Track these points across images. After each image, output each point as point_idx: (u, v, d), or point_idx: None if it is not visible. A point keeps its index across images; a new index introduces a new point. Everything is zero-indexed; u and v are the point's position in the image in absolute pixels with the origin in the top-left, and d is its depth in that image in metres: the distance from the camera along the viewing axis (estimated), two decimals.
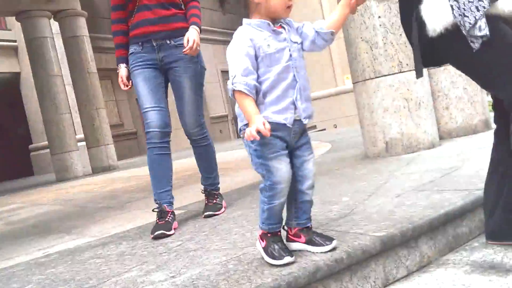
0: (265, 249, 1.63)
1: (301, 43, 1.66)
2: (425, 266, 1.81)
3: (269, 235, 1.65)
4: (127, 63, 2.66)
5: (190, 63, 2.63)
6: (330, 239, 1.65)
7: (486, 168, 1.89)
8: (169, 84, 2.71)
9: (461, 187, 2.23)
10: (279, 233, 1.67)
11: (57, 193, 6.71)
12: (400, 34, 3.57)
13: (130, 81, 2.66)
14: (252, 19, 1.62)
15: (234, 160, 6.31)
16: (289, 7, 1.61)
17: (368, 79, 3.72)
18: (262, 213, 1.65)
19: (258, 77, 1.56)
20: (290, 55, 1.61)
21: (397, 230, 1.76)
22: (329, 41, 1.66)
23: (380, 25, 3.63)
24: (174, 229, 2.46)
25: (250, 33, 1.58)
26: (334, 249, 1.63)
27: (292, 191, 1.65)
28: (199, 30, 2.59)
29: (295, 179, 1.65)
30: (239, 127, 1.65)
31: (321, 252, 1.62)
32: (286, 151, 1.61)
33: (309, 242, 1.67)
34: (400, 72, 3.62)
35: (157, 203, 2.55)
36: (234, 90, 1.53)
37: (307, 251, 1.66)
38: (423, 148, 3.65)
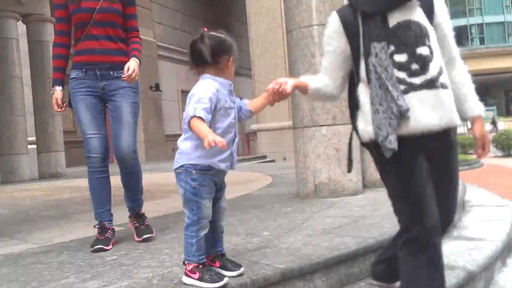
0: (201, 278, 1.90)
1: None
2: None
3: (200, 266, 1.94)
4: (62, 86, 2.88)
5: (130, 91, 2.88)
6: (239, 266, 2.02)
7: (388, 219, 2.30)
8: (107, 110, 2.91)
9: (360, 234, 2.66)
10: (206, 263, 1.99)
11: (1, 196, 6.79)
12: None
13: (64, 103, 2.88)
14: (217, 77, 1.97)
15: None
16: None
17: (306, 127, 4.17)
18: (191, 248, 1.94)
19: (210, 125, 1.88)
20: (235, 117, 2.00)
21: (296, 265, 2.15)
22: (247, 117, 2.07)
23: None
24: (112, 244, 2.74)
25: (217, 86, 1.94)
26: (241, 274, 1.99)
27: (210, 225, 2.00)
28: (139, 63, 2.84)
29: (214, 214, 2.00)
30: (178, 164, 1.98)
31: (231, 276, 1.98)
32: (213, 193, 1.98)
33: (222, 267, 2.02)
34: (334, 124, 4.09)
35: (97, 221, 2.83)
36: (194, 116, 1.83)
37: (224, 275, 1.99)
38: (347, 194, 4.10)
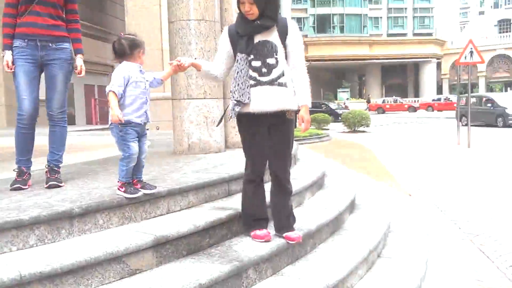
0: (126, 191, 2.91)
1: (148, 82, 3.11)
2: (190, 208, 3.41)
3: (126, 184, 2.96)
4: (12, 50, 3.41)
5: (65, 63, 3.57)
6: (154, 187, 3.10)
7: (237, 165, 3.55)
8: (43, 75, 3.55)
9: (218, 171, 3.94)
10: (130, 182, 3.01)
11: None
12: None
13: (14, 65, 3.41)
14: (131, 62, 3.00)
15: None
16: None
17: (182, 99, 5.33)
18: (122, 173, 2.95)
19: (124, 92, 2.93)
20: (146, 88, 3.06)
21: (178, 186, 3.33)
22: (159, 84, 3.17)
23: None
24: (29, 186, 3.43)
25: (129, 67, 2.98)
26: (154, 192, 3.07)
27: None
28: (83, 55, 3.68)
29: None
30: (109, 122, 2.96)
31: (149, 193, 3.03)
32: (137, 137, 3.02)
33: (142, 187, 3.05)
34: (204, 98, 5.30)
35: (17, 165, 3.50)
36: (110, 91, 2.87)
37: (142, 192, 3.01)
38: (213, 151, 5.37)
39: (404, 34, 56.35)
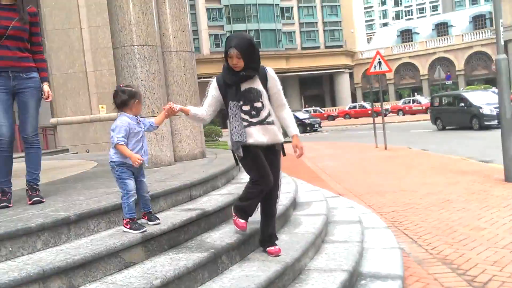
0: (131, 227, 3.16)
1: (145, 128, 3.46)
2: (162, 211, 3.88)
3: (130, 220, 3.20)
4: None
5: (35, 90, 3.96)
6: (157, 218, 3.42)
7: (192, 175, 4.08)
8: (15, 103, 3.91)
9: (180, 179, 4.44)
10: (135, 219, 3.26)
11: None
12: (154, 93, 5.74)
13: None
14: (129, 114, 3.32)
15: None
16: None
17: None
18: (124, 209, 3.22)
19: (127, 143, 3.27)
20: (142, 135, 3.41)
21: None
22: (153, 128, 3.52)
23: (142, 86, 5.74)
24: (12, 204, 3.77)
25: (128, 120, 3.29)
26: (159, 223, 3.40)
27: (138, 196, 3.42)
28: (49, 83, 4.07)
29: (137, 189, 3.39)
30: (110, 163, 3.33)
31: (153, 224, 3.36)
32: (133, 176, 3.35)
33: (148, 219, 3.41)
34: (152, 116, 5.76)
35: (0, 187, 3.84)
36: (117, 144, 3.20)
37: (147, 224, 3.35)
38: (164, 165, 5.83)
39: (317, 47, 59.10)
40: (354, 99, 58.29)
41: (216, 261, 3.22)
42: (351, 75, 59.61)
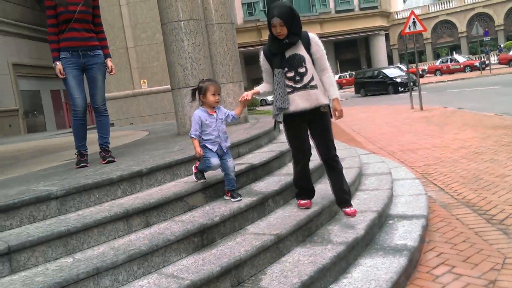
0: (195, 175, 3.76)
1: (225, 118, 3.74)
2: None
3: (198, 172, 3.75)
4: (60, 61, 4.34)
5: (102, 66, 4.58)
6: (240, 195, 3.84)
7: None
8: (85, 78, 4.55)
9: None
10: (202, 173, 3.78)
11: None
12: (200, 64, 6.31)
13: (65, 73, 4.37)
14: (202, 107, 3.66)
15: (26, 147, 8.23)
16: (217, 101, 3.66)
17: (181, 88, 6.36)
18: (200, 169, 3.72)
19: (202, 131, 3.64)
20: (216, 125, 3.66)
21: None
22: (235, 119, 3.80)
23: (189, 58, 6.32)
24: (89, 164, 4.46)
25: (200, 114, 3.63)
26: (240, 200, 3.82)
27: (224, 175, 3.88)
28: (111, 59, 4.69)
29: (223, 168, 3.83)
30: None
31: (236, 201, 3.78)
32: (217, 155, 3.74)
33: (231, 196, 3.84)
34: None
35: (77, 150, 4.55)
36: (191, 136, 3.61)
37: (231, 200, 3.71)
38: None
39: (352, 10, 58.05)
40: (390, 62, 57.33)
41: (263, 204, 3.81)
42: (387, 36, 58.43)
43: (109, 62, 4.70)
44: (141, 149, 5.20)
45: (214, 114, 3.72)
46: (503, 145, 7.32)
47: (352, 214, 3.76)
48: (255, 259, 3.04)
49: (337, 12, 55.94)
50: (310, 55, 3.57)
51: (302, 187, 3.91)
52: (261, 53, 3.70)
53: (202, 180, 3.81)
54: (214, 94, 3.66)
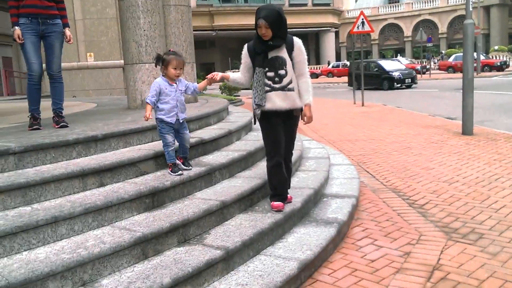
0: (172, 171, 3.75)
1: (185, 90, 4.03)
2: None
3: (172, 165, 3.79)
4: (19, 27, 4.47)
5: (59, 34, 4.78)
6: (190, 165, 4.10)
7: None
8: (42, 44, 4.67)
9: None
10: (175, 163, 3.96)
11: None
12: (155, 42, 6.47)
13: (22, 38, 4.49)
14: (163, 77, 3.83)
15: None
16: (177, 75, 3.85)
17: (135, 63, 6.50)
18: (166, 156, 3.81)
19: (159, 100, 3.88)
20: (176, 96, 3.94)
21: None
22: (194, 92, 4.03)
23: (144, 35, 6.46)
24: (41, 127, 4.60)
25: (160, 81, 3.82)
26: (191, 169, 4.17)
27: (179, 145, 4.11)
28: (69, 28, 4.82)
29: (179, 139, 4.05)
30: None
31: (186, 169, 4.06)
32: (172, 130, 3.96)
33: (183, 163, 4.07)
34: (153, 62, 6.50)
35: (30, 113, 4.67)
36: (146, 102, 3.82)
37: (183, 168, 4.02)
38: None
39: (305, 4, 58.92)
40: (338, 58, 58.84)
41: (211, 175, 4.10)
42: (336, 34, 59.89)
43: (67, 32, 4.81)
44: (92, 118, 5.34)
45: (175, 84, 3.91)
46: (432, 142, 7.98)
47: (276, 208, 3.79)
48: (201, 221, 3.34)
49: (290, 5, 56.54)
50: (291, 58, 3.68)
51: (275, 187, 3.88)
52: (245, 47, 3.80)
53: (179, 173, 3.83)
54: (175, 68, 3.82)
